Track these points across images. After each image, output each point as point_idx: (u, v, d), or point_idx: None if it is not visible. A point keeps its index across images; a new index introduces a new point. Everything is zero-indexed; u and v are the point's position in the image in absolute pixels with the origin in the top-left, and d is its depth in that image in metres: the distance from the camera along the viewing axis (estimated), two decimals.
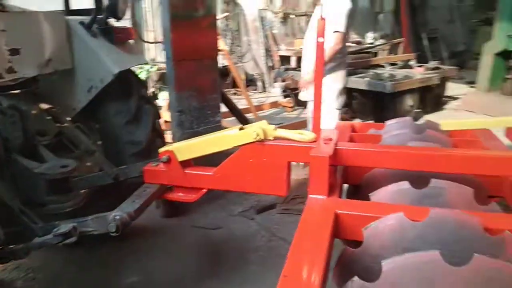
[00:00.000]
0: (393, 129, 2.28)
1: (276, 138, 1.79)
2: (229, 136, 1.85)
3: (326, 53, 3.60)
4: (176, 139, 3.18)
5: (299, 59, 6.49)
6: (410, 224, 1.33)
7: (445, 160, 1.62)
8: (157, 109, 2.87)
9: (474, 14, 10.91)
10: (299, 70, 5.73)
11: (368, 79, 6.04)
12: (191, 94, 3.15)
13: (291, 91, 6.66)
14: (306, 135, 1.76)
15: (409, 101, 6.02)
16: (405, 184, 1.61)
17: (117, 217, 1.68)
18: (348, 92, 6.12)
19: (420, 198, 1.55)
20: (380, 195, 1.65)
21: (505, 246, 1.25)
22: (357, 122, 2.66)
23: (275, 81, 9.06)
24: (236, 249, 2.79)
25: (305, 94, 4.03)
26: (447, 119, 2.32)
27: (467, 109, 7.05)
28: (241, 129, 1.85)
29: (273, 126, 1.79)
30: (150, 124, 2.70)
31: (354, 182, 2.00)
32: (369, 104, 6.07)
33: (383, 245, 1.34)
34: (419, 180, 1.61)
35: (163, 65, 4.79)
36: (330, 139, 1.73)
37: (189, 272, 2.54)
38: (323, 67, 3.72)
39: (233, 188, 1.93)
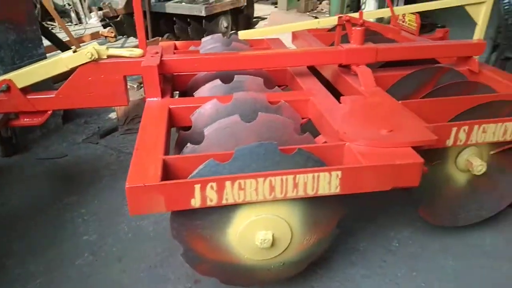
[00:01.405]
0: (208, 44, 2.79)
1: (109, 57, 2.08)
2: (64, 59, 2.05)
3: None
4: None
5: None
6: (222, 106, 1.88)
7: (242, 60, 2.19)
8: None
9: None
10: None
11: (184, 3, 6.36)
12: (7, 27, 3.03)
13: (110, 20, 6.48)
14: (135, 51, 2.10)
15: (224, 22, 6.62)
16: (217, 82, 2.16)
17: None
18: (168, 17, 6.39)
19: (228, 90, 2.12)
20: (201, 92, 2.17)
21: (281, 109, 1.92)
22: (178, 41, 3.06)
23: (90, 11, 8.57)
24: (88, 169, 2.99)
25: None
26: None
27: None
28: (74, 51, 2.07)
29: (105, 46, 2.07)
30: None
31: (181, 89, 2.48)
32: (188, 28, 6.44)
33: (205, 123, 1.87)
34: (227, 77, 2.17)
35: None
36: (157, 53, 2.13)
37: (46, 194, 2.68)
38: None
39: (77, 105, 2.18)
